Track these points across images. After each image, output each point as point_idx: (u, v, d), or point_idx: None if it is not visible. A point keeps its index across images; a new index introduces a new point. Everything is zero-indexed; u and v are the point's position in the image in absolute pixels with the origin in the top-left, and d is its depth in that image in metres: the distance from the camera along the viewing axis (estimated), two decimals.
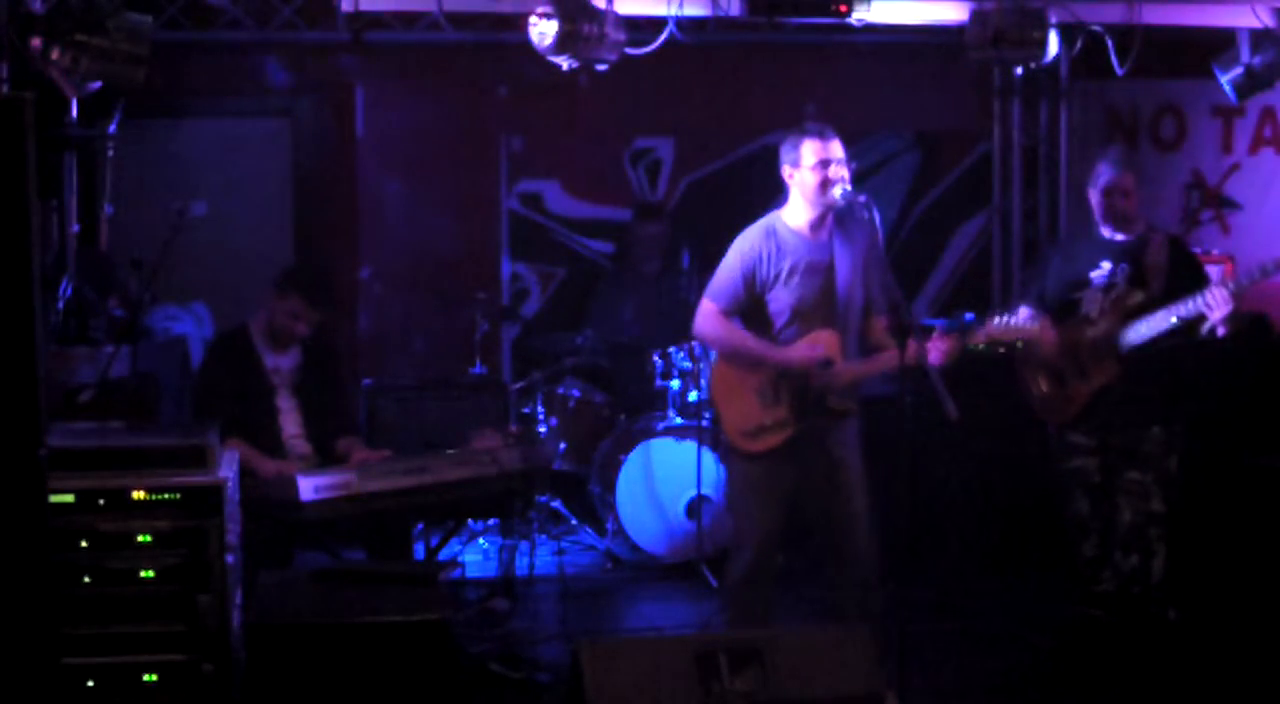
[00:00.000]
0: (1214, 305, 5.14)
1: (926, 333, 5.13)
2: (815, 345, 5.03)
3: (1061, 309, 5.52)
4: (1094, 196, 5.57)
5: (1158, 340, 5.31)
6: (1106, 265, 5.46)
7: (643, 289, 7.92)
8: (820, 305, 5.08)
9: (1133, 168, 5.51)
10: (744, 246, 5.13)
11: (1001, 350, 5.12)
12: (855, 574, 5.08)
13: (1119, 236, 5.50)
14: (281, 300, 5.81)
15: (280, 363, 5.87)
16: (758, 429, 5.08)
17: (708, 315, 5.15)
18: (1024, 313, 5.42)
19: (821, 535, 5.20)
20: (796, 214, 5.13)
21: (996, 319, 5.11)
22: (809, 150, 5.04)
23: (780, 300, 5.09)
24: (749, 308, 5.12)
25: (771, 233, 5.12)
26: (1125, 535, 5.46)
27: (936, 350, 4.90)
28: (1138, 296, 5.36)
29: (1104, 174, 5.51)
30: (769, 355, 5.06)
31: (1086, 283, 5.49)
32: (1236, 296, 5.14)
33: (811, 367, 5.00)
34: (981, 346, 5.07)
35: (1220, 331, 5.20)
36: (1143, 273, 5.39)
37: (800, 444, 5.06)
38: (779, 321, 5.11)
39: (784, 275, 5.07)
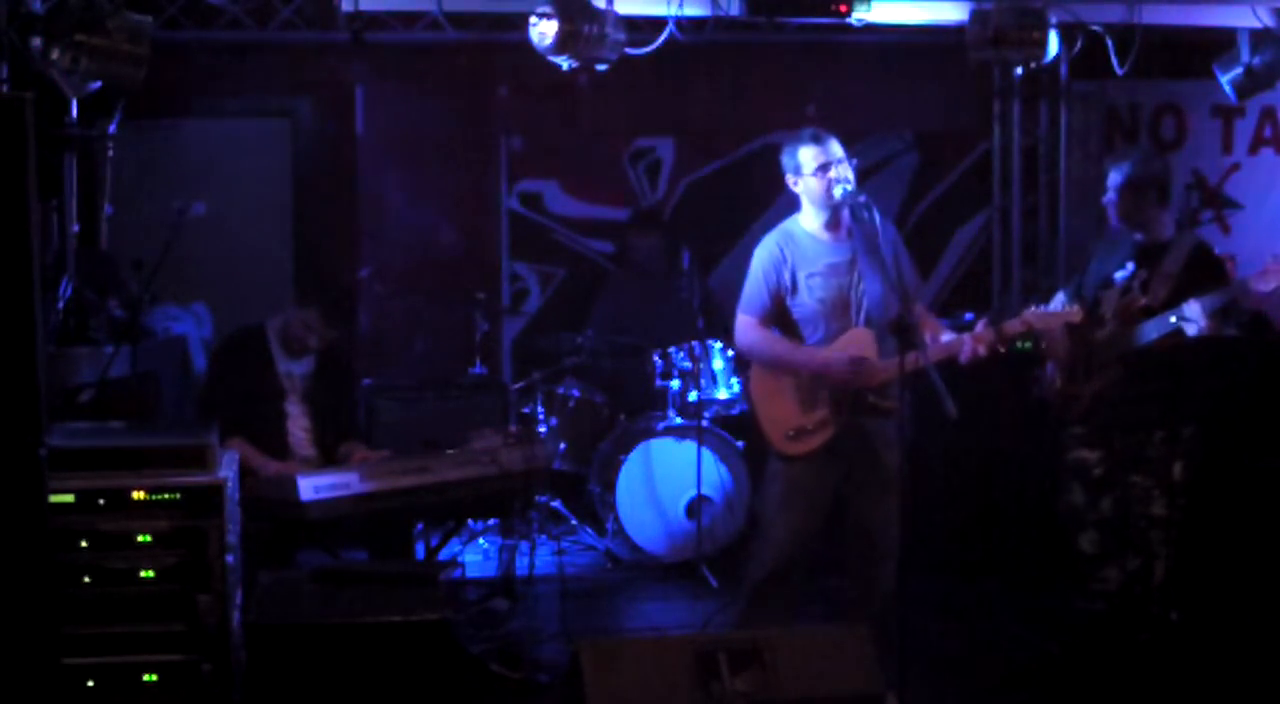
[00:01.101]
0: (1190, 318, 5.14)
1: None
2: (850, 348, 5.03)
3: (1087, 307, 5.52)
4: None
5: (1157, 341, 5.31)
6: (1130, 267, 5.44)
7: (645, 289, 7.91)
8: (848, 305, 5.09)
9: (1124, 167, 5.46)
10: (762, 254, 5.16)
11: (1002, 350, 5.11)
12: (882, 571, 5.09)
13: (1149, 240, 5.45)
14: (300, 309, 5.82)
15: (293, 368, 5.87)
16: (799, 431, 5.08)
17: (745, 328, 5.16)
18: (1058, 304, 5.50)
19: (856, 530, 5.19)
20: (810, 218, 5.16)
21: (1033, 307, 5.12)
22: (808, 156, 5.06)
23: (805, 305, 5.10)
24: (778, 315, 5.13)
25: (788, 238, 5.15)
26: (1128, 537, 5.46)
27: (976, 342, 4.92)
28: (1141, 302, 5.35)
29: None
30: (808, 364, 5.05)
31: (1111, 283, 5.48)
32: (1211, 314, 5.13)
33: (849, 372, 4.99)
34: (1016, 338, 5.08)
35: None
36: (1158, 279, 5.37)
37: (842, 443, 5.07)
38: (808, 326, 5.12)
39: (804, 279, 5.09)
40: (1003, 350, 5.11)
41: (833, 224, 5.12)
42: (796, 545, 5.13)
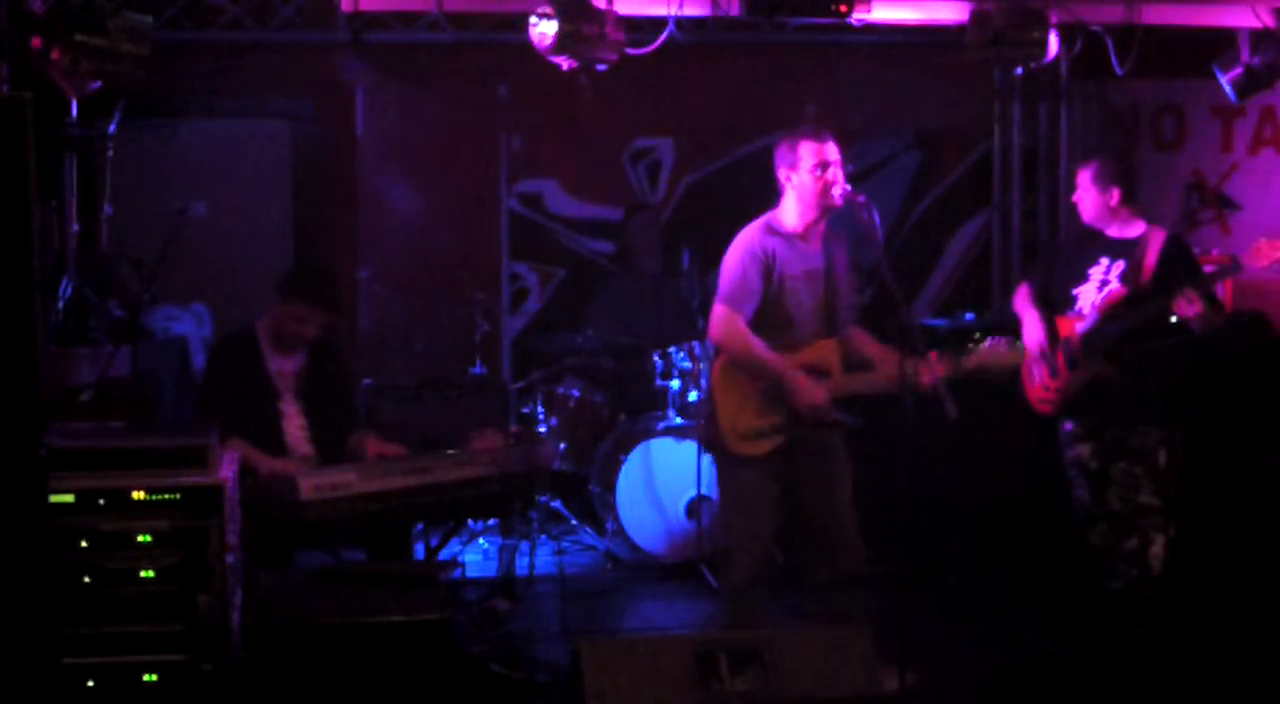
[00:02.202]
0: (1178, 305, 5.18)
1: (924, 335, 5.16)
2: (815, 360, 5.03)
3: (1061, 302, 5.56)
4: None
5: (1148, 338, 5.34)
6: (1105, 262, 5.50)
7: (645, 289, 7.91)
8: (816, 312, 5.06)
9: (1091, 166, 5.53)
10: (747, 248, 5.05)
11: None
12: (849, 569, 5.09)
13: (1121, 235, 5.53)
14: (285, 306, 5.78)
15: (284, 366, 5.86)
16: (754, 432, 5.04)
17: (729, 323, 5.03)
18: (1029, 319, 5.58)
19: (813, 533, 5.19)
20: (792, 217, 5.08)
21: (989, 342, 5.16)
22: (807, 152, 4.99)
23: (778, 308, 5.04)
24: (761, 308, 5.04)
25: (771, 232, 5.06)
26: (1117, 522, 5.50)
27: (929, 373, 4.90)
28: (1123, 293, 5.41)
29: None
30: (782, 374, 5.00)
31: (1085, 278, 5.54)
32: (1204, 297, 5.18)
33: (816, 410, 4.98)
34: (972, 375, 5.11)
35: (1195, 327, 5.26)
36: (1135, 271, 5.44)
37: (793, 449, 5.05)
38: (776, 329, 5.05)
39: (783, 279, 5.03)
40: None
41: (813, 227, 5.06)
42: (763, 547, 5.12)
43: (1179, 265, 5.44)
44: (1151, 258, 5.43)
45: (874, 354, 5.10)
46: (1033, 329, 5.57)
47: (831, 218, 5.09)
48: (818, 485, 5.11)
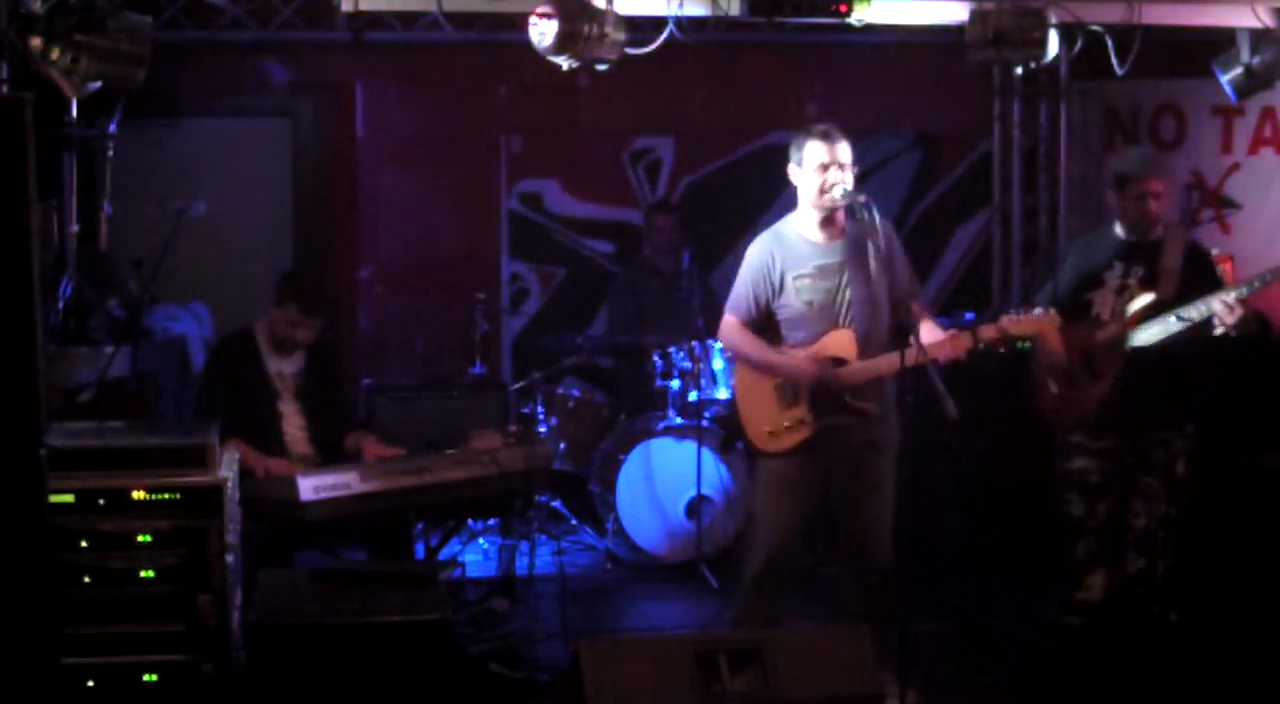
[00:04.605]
0: (1220, 313, 5.14)
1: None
2: (820, 354, 5.03)
3: (1074, 309, 5.51)
4: (1120, 198, 5.50)
5: (1165, 342, 5.31)
6: (1121, 266, 5.45)
7: (659, 287, 7.87)
8: (832, 307, 5.07)
9: (1165, 171, 5.51)
10: (752, 256, 5.16)
11: (1002, 350, 5.11)
12: (875, 572, 5.09)
13: (1136, 238, 5.47)
14: (280, 309, 5.82)
15: (283, 367, 5.87)
16: (776, 429, 5.08)
17: (727, 327, 5.20)
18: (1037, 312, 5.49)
19: (845, 531, 5.20)
20: (804, 216, 5.14)
21: (1010, 313, 5.11)
22: (812, 152, 5.04)
23: (791, 307, 5.09)
24: (762, 317, 5.13)
25: (779, 239, 5.13)
26: (1137, 539, 5.46)
27: (948, 349, 4.91)
28: (1148, 298, 5.36)
29: (1138, 177, 5.45)
30: (779, 366, 5.08)
31: (1101, 282, 5.49)
32: (1242, 302, 5.14)
33: (817, 377, 4.99)
34: (992, 344, 5.04)
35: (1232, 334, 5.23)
36: (1155, 275, 5.38)
37: (824, 442, 5.06)
38: (793, 326, 5.10)
39: (791, 281, 5.07)
40: (994, 346, 5.09)
41: (826, 224, 5.10)
42: (784, 543, 5.13)
43: (1199, 270, 5.38)
44: (1172, 262, 5.37)
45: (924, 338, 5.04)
46: (1050, 341, 5.48)
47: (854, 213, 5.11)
48: (851, 492, 5.13)
